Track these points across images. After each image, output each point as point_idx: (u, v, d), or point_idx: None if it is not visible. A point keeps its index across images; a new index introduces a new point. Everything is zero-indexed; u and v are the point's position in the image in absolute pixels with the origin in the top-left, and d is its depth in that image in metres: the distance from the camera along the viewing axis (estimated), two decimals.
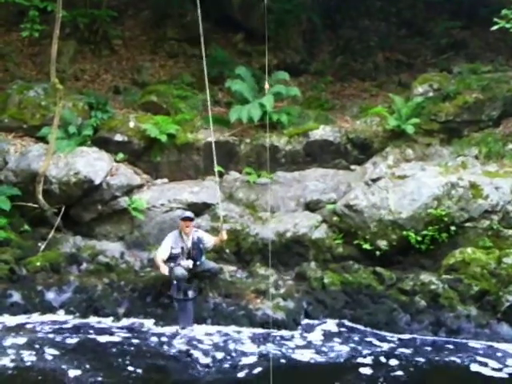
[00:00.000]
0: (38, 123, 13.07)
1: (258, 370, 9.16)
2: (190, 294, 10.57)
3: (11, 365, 9.06)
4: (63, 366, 9.07)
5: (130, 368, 9.14)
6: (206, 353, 9.64)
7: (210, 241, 10.97)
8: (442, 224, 11.29)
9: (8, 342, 9.73)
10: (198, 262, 10.70)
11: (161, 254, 10.65)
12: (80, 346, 9.76)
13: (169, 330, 10.35)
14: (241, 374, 9.06)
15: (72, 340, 9.92)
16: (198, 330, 10.33)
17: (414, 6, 17.28)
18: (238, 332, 10.34)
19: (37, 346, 9.62)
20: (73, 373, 8.89)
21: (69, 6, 13.07)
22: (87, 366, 9.07)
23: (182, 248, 10.61)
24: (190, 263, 10.60)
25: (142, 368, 9.16)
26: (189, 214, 10.95)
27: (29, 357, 9.30)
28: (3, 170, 12.42)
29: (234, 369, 9.22)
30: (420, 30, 17.04)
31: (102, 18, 15.74)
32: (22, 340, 9.79)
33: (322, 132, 13.22)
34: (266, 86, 10.76)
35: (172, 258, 10.60)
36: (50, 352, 9.49)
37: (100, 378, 8.82)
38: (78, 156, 12.43)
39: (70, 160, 12.32)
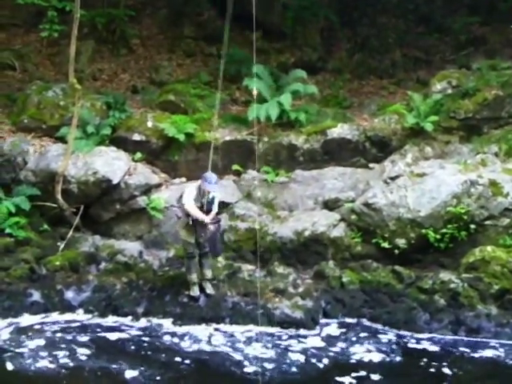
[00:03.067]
0: (57, 123, 13.11)
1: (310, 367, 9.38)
2: (208, 290, 10.76)
3: (52, 366, 9.10)
4: (114, 366, 9.15)
5: (177, 360, 9.32)
6: (241, 349, 9.77)
7: (214, 208, 10.77)
8: (461, 222, 11.20)
9: (33, 342, 9.76)
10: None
11: (192, 204, 10.44)
12: (107, 345, 9.83)
13: (192, 328, 10.39)
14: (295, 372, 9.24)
15: (96, 339, 9.97)
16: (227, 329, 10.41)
17: (431, 1, 17.16)
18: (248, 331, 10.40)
19: (64, 346, 9.67)
20: (130, 373, 8.99)
21: (87, 5, 13.09)
22: (139, 366, 9.16)
23: (202, 203, 10.49)
24: (207, 218, 10.47)
25: (192, 363, 9.31)
26: (214, 186, 10.51)
27: (64, 358, 9.33)
28: (23, 169, 12.49)
29: (284, 366, 9.36)
30: (438, 26, 16.92)
31: (119, 18, 15.80)
32: (46, 340, 9.82)
33: (340, 130, 13.16)
34: (254, 91, 10.67)
35: None
36: (81, 352, 9.54)
37: (159, 377, 8.95)
38: (97, 156, 12.48)
39: (89, 160, 12.36)
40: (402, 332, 10.35)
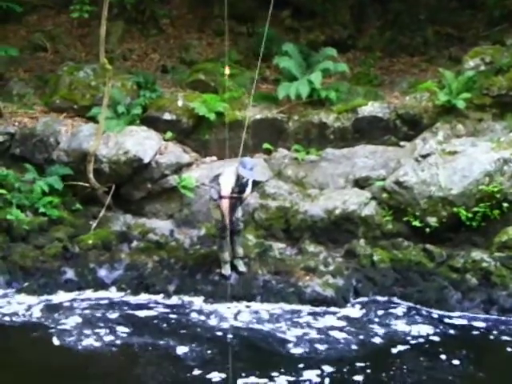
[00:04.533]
0: (88, 103, 13.24)
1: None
2: (241, 267, 10.85)
3: (98, 344, 9.14)
4: (161, 342, 9.21)
5: (220, 337, 9.38)
6: (277, 327, 9.75)
7: (247, 190, 10.86)
8: (493, 201, 11.07)
9: (71, 320, 9.85)
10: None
11: (227, 201, 10.46)
12: (143, 322, 9.90)
13: (224, 306, 10.40)
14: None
15: (131, 316, 10.06)
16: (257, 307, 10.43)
17: None
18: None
19: (102, 324, 9.74)
20: (181, 349, 9.04)
21: None
22: (187, 342, 9.20)
23: (233, 187, 10.52)
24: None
25: (235, 339, 9.34)
26: (250, 173, 10.56)
27: (107, 336, 9.36)
28: (55, 149, 12.64)
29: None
30: (471, 1, 16.59)
31: None
32: (83, 318, 9.93)
33: (370, 108, 13.06)
34: (227, 70, 10.57)
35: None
36: (121, 329, 9.60)
37: (209, 352, 8.99)
38: (128, 135, 12.56)
39: (120, 139, 12.45)
40: (433, 310, 10.30)
